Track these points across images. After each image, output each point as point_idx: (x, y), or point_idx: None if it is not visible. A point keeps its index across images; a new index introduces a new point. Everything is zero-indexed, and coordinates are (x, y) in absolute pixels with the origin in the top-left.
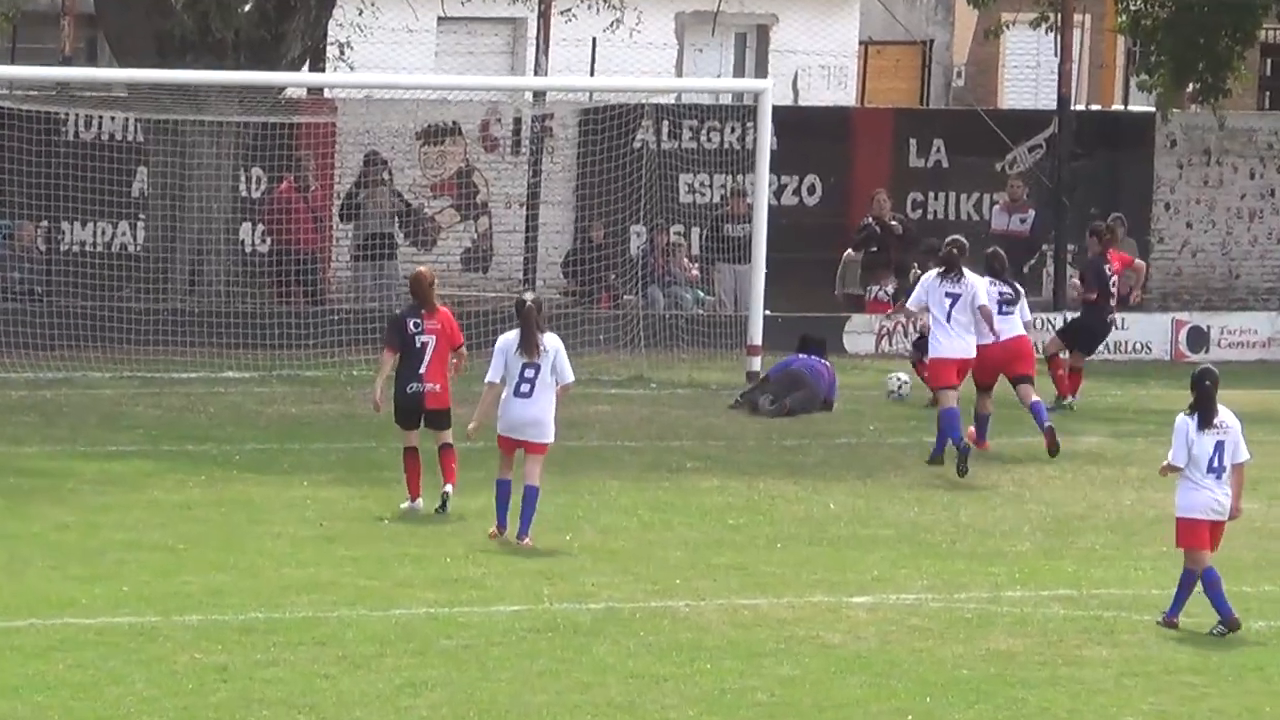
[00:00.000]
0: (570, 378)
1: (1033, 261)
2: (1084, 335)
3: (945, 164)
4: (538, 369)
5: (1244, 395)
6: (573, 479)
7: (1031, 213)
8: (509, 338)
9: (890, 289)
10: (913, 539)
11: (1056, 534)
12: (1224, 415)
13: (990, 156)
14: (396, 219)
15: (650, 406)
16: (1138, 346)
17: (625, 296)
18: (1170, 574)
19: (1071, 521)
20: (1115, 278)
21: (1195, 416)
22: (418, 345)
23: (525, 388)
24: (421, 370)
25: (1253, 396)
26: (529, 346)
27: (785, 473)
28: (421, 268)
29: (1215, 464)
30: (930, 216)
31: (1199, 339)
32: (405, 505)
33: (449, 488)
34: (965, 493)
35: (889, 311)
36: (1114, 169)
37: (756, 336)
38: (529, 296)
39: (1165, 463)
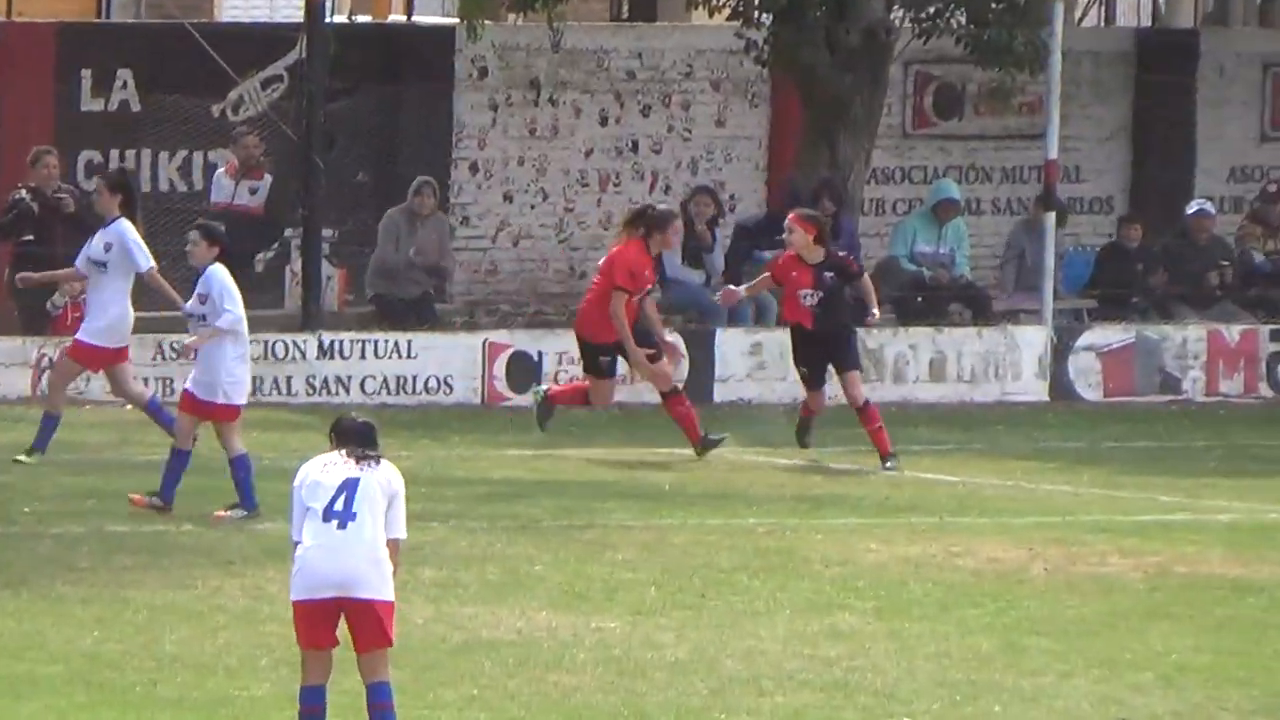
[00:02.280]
0: None
1: (270, 254)
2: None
3: (136, 106)
4: None
5: (591, 454)
6: None
7: (268, 179)
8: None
9: (64, 298)
10: (87, 678)
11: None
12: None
13: (205, 96)
14: None
15: None
16: (431, 384)
17: None
18: None
19: None
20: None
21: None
22: None
23: None
24: None
25: (607, 458)
26: None
27: None
28: None
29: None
30: None
31: (527, 372)
32: None
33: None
34: (175, 610)
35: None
36: (394, 112)
37: None
38: None
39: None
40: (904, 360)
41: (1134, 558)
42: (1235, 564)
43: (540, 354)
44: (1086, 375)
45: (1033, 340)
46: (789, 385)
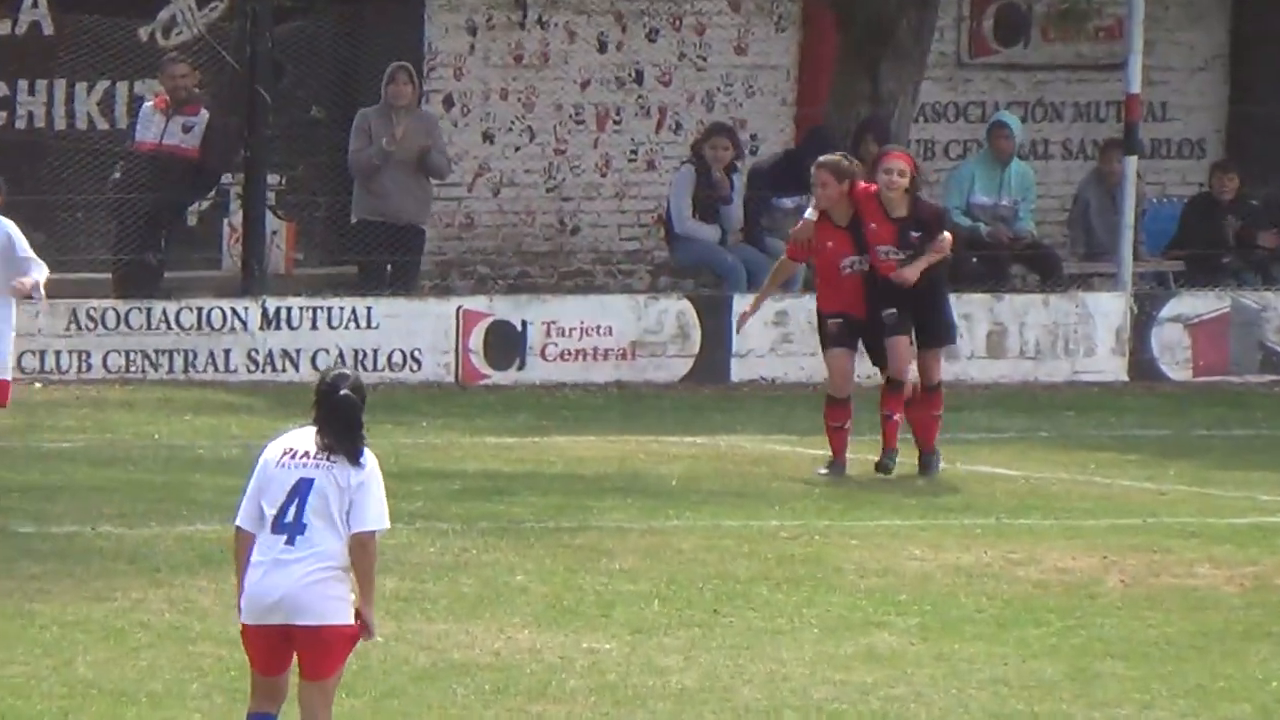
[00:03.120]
0: None
1: (205, 204)
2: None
3: (48, 29)
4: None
5: (585, 443)
6: None
7: (204, 115)
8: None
9: None
10: None
11: None
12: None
13: (131, 16)
14: None
15: None
16: (396, 359)
17: None
18: None
19: None
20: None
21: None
22: None
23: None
24: None
25: (603, 448)
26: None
27: None
28: None
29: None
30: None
31: (509, 346)
32: None
33: None
34: None
35: None
36: (355, 36)
37: None
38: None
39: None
40: (957, 332)
41: (1228, 568)
42: None
43: (524, 324)
44: (1172, 350)
45: (1109, 309)
46: (818, 361)
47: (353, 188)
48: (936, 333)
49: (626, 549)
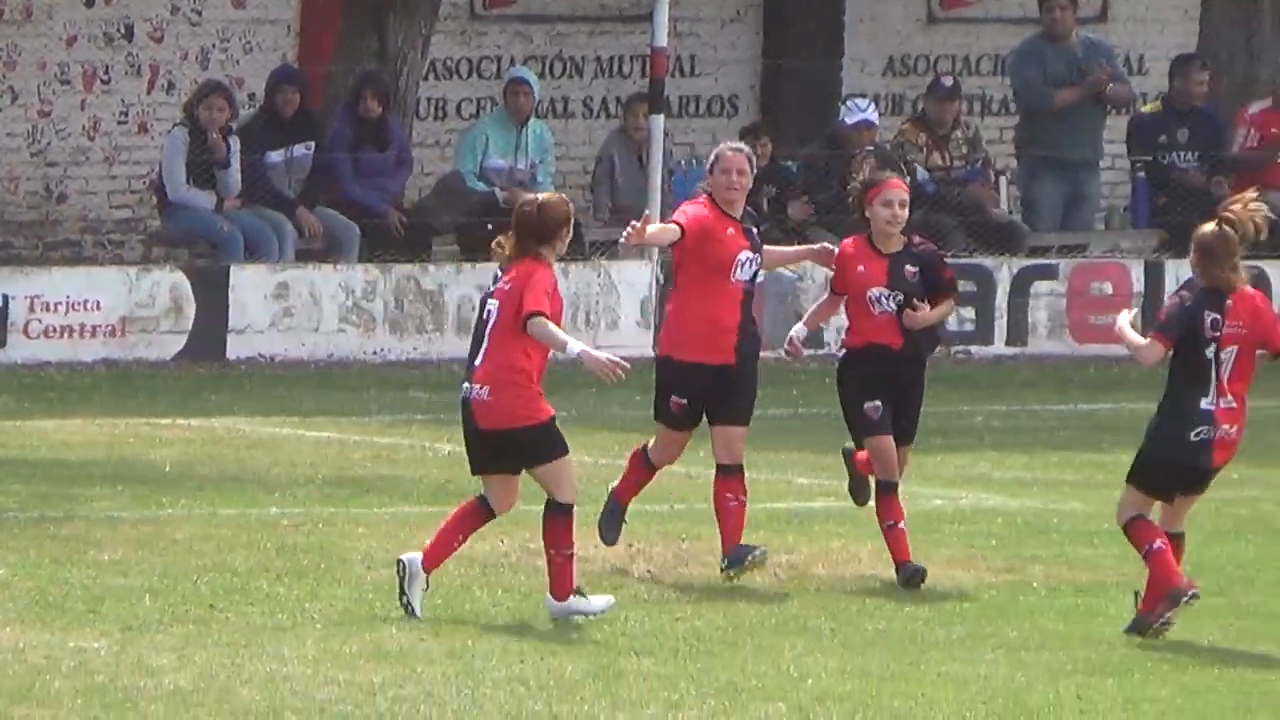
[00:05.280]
0: None
1: None
2: None
3: None
4: None
5: (71, 426)
6: None
7: None
8: None
9: None
10: None
11: None
12: None
13: None
14: None
15: None
16: None
17: None
18: None
19: None
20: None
21: None
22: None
23: None
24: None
25: (91, 432)
26: None
27: None
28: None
29: None
30: None
31: None
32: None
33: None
34: None
35: None
36: None
37: None
38: None
39: None
40: (469, 304)
41: None
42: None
43: (6, 299)
44: None
45: (634, 279)
46: (322, 337)
47: None
48: (909, 429)
49: (117, 540)
